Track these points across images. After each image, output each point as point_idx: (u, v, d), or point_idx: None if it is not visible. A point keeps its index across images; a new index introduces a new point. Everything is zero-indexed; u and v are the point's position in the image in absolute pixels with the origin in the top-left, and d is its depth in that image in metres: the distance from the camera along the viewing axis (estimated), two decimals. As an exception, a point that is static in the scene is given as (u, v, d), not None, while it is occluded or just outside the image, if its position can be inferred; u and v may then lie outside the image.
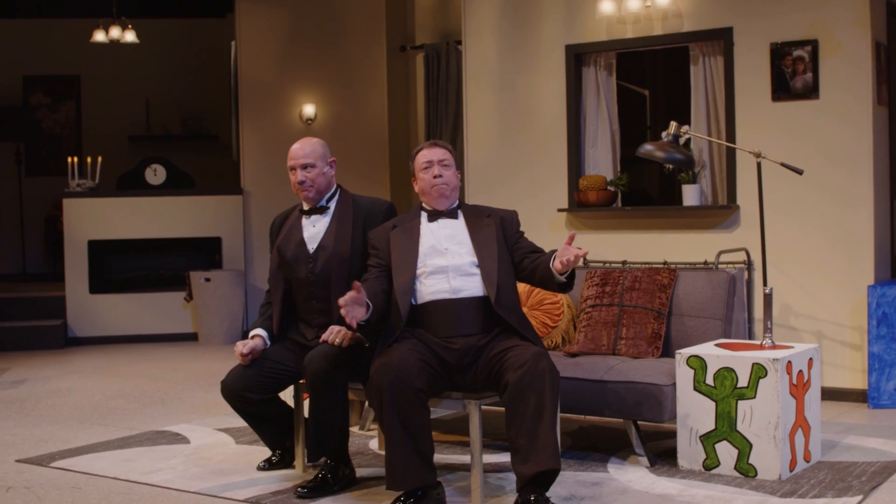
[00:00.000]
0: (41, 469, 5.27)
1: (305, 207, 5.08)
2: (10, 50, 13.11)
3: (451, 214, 4.81)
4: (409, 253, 4.73)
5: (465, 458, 5.21)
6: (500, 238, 4.77)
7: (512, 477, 4.42)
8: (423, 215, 4.84)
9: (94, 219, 10.44)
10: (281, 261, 5.06)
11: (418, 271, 4.69)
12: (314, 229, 5.02)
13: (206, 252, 10.74)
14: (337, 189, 5.12)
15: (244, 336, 10.09)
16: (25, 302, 10.62)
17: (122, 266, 10.69)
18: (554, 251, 4.56)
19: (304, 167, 4.98)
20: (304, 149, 5.01)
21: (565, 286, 4.55)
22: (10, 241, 13.11)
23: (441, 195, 4.78)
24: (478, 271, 4.67)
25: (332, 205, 5.06)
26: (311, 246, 4.99)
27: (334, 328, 4.67)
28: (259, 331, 5.00)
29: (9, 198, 13.06)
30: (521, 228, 4.92)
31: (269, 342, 4.99)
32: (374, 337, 4.66)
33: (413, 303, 4.67)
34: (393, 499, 4.35)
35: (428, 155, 4.83)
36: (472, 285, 4.66)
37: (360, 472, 4.98)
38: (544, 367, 4.29)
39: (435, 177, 4.76)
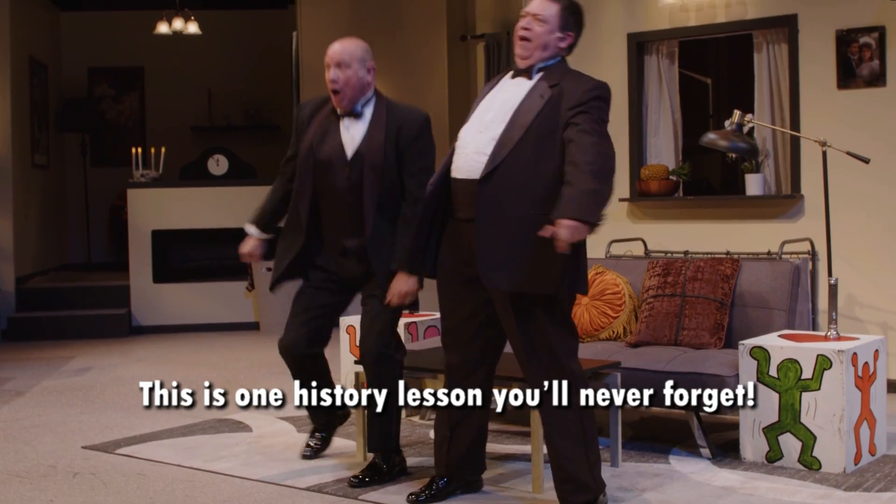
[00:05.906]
0: (106, 455, 5.34)
1: (339, 112, 4.75)
2: (75, 42, 13.26)
3: (527, 74, 4.21)
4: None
5: (526, 448, 5.20)
6: (545, 114, 4.06)
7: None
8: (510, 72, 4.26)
9: (157, 209, 10.55)
10: (314, 162, 4.75)
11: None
12: (348, 134, 4.71)
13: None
14: (374, 95, 4.76)
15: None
16: (90, 291, 10.75)
17: (185, 256, 10.81)
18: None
19: (339, 65, 4.62)
20: (341, 47, 4.65)
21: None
22: (76, 231, 13.28)
23: (519, 53, 4.18)
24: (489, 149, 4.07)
25: (368, 112, 4.72)
26: (350, 151, 4.69)
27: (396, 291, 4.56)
28: (253, 231, 5.09)
29: (74, 188, 13.23)
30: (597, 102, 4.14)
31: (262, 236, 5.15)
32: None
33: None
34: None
35: (526, 5, 4.22)
36: (475, 165, 4.14)
37: (418, 461, 4.97)
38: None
39: (523, 28, 4.18)
